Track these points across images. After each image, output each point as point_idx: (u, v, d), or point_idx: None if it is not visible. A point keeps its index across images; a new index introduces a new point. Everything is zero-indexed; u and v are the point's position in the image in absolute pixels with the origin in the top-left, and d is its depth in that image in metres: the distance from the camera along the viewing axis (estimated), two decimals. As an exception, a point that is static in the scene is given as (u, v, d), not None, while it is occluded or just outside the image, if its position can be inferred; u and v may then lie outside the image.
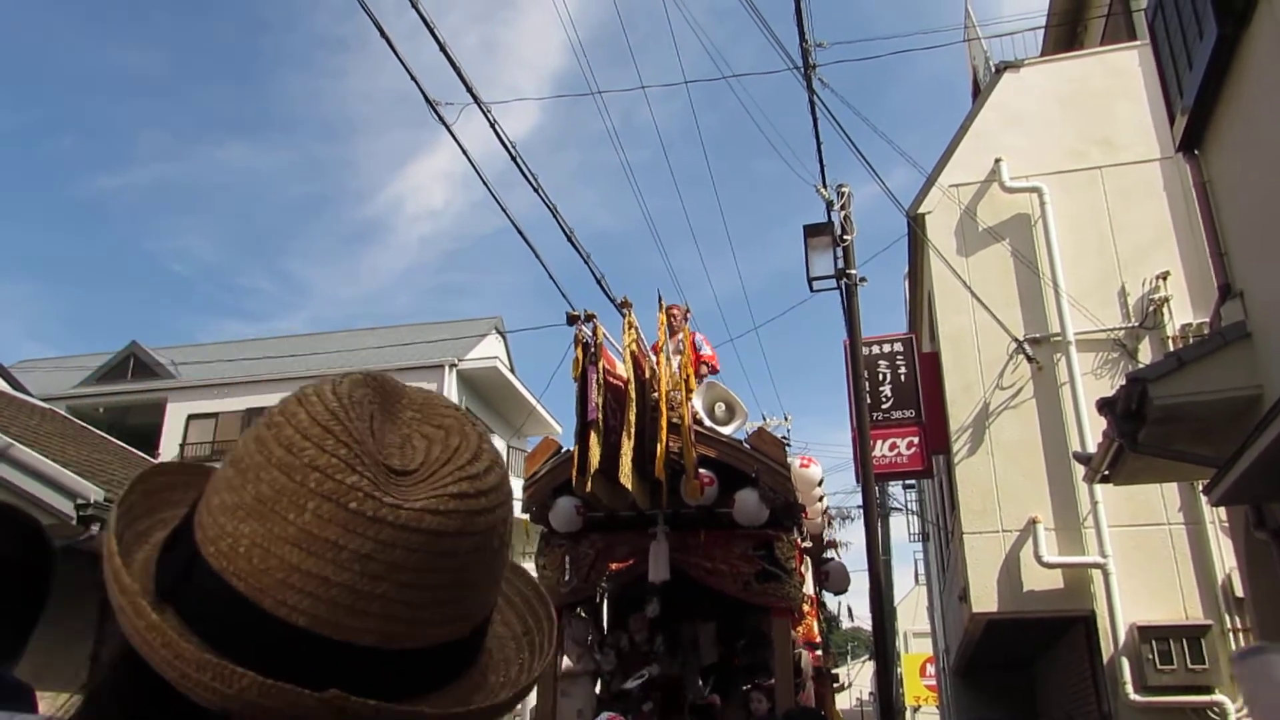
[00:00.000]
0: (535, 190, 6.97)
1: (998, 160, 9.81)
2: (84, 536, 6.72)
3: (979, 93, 11.22)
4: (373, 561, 0.53)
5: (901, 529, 22.66)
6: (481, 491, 0.58)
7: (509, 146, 6.66)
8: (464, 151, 6.61)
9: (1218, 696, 7.75)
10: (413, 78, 6.09)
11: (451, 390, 21.51)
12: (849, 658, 40.37)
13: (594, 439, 5.89)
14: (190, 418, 22.53)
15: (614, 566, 6.88)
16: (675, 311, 7.50)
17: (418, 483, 0.56)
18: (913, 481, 18.67)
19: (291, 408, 0.57)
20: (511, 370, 23.72)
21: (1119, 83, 9.74)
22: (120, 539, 0.60)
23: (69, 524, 6.68)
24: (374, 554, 0.53)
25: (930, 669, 26.70)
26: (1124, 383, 5.30)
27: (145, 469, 0.68)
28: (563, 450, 6.99)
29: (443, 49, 5.95)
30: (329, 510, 0.53)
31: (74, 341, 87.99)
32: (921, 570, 25.92)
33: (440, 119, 6.36)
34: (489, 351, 23.22)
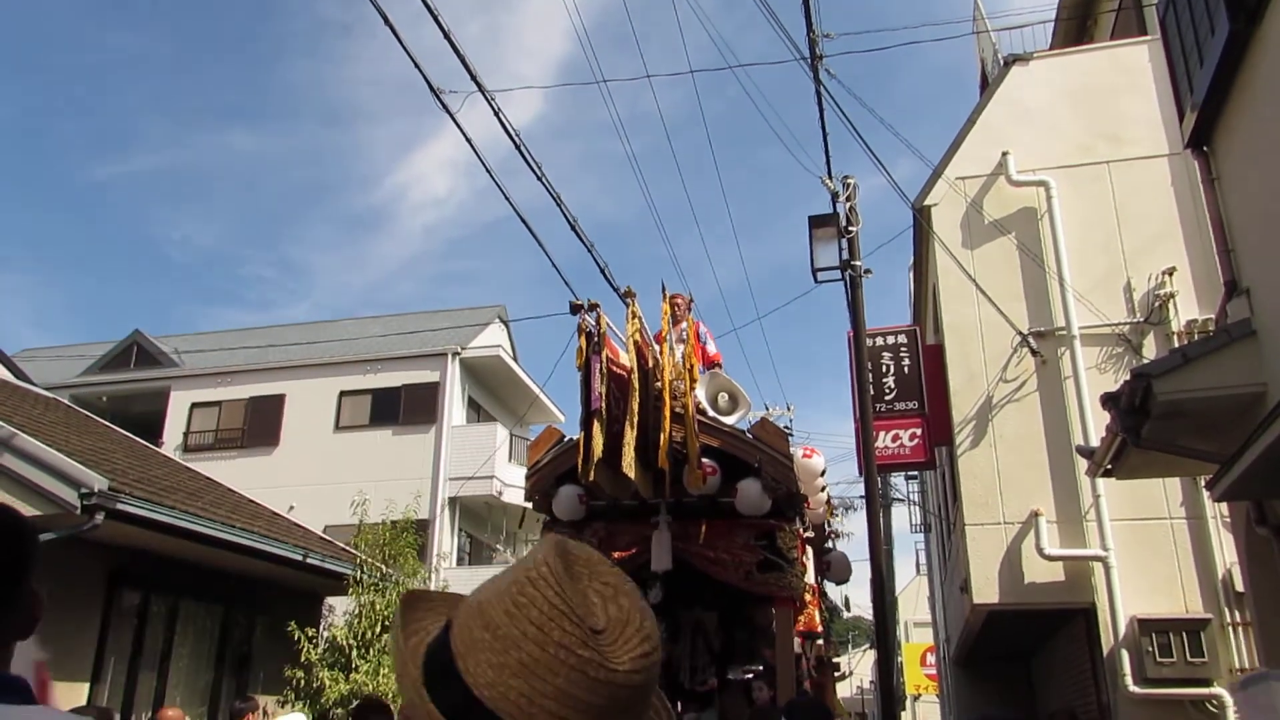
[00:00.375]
0: (539, 179, 6.96)
1: (1005, 153, 9.77)
2: (88, 525, 6.72)
3: (987, 85, 11.17)
4: (604, 709, 0.76)
5: (903, 519, 22.71)
6: (655, 646, 0.81)
7: (513, 134, 6.64)
8: (468, 139, 6.59)
9: (1216, 689, 7.77)
10: (416, 65, 6.07)
11: (455, 378, 21.50)
12: (850, 646, 40.49)
13: (597, 428, 5.90)
14: (193, 406, 22.56)
15: (616, 555, 6.89)
16: (679, 301, 7.50)
17: (613, 642, 0.78)
18: (915, 472, 18.69)
19: (530, 592, 0.78)
20: (515, 359, 23.73)
21: (1128, 78, 9.68)
22: (424, 684, 0.80)
23: (73, 513, 6.68)
24: (605, 705, 0.76)
25: (931, 658, 26.75)
26: (1128, 377, 5.29)
27: (396, 612, 0.89)
28: (566, 439, 7.00)
29: (446, 36, 5.92)
30: (575, 676, 0.75)
31: (77, 330, 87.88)
32: (923, 560, 25.96)
33: (444, 107, 6.34)
34: (492, 340, 23.23)
